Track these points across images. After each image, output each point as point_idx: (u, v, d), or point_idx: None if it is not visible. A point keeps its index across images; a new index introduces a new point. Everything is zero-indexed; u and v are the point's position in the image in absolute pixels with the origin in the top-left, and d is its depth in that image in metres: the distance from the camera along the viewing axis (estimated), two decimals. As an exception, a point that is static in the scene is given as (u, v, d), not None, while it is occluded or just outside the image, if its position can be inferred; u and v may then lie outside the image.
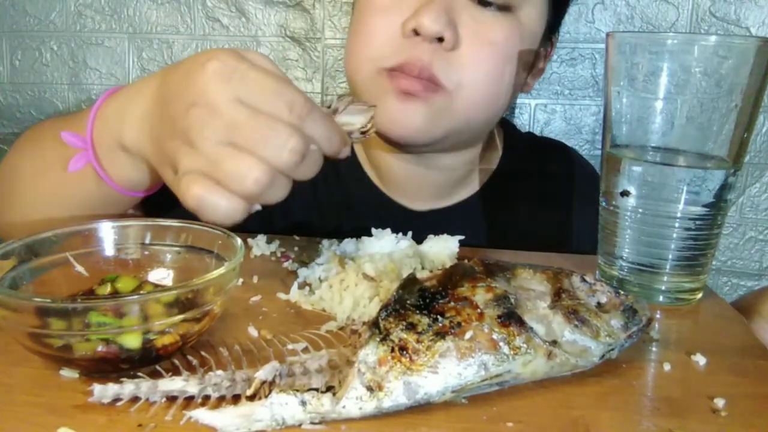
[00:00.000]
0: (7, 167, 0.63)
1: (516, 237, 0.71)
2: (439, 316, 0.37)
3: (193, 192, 0.40)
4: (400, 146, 0.67)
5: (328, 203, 0.77)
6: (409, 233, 0.59)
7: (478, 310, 0.38)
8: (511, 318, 0.38)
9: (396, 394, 0.35)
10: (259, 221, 0.72)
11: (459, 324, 0.37)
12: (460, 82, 0.61)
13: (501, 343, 0.37)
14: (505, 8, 0.61)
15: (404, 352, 0.36)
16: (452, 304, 0.38)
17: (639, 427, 0.36)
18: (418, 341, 0.36)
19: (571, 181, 0.80)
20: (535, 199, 0.77)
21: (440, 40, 0.59)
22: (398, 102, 0.60)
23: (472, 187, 0.77)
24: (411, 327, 0.36)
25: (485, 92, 0.63)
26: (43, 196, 0.60)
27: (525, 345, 0.38)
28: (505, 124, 0.83)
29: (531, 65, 0.69)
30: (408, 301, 0.38)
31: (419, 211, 0.75)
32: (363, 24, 0.64)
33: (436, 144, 0.66)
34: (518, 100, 1.00)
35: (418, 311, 0.38)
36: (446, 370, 0.36)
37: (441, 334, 0.36)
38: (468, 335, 0.37)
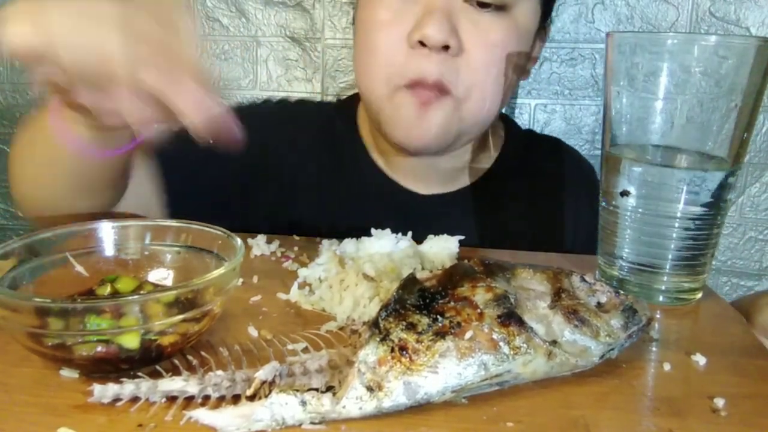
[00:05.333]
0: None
1: (514, 224, 0.76)
2: (439, 316, 0.37)
3: None
4: (415, 154, 0.70)
5: (333, 191, 0.78)
6: (409, 233, 0.59)
7: (478, 310, 0.38)
8: (510, 318, 0.38)
9: (396, 394, 0.35)
10: (263, 216, 0.72)
11: (459, 324, 0.37)
12: (467, 87, 0.64)
13: (501, 343, 0.37)
14: (501, 8, 0.63)
15: (404, 352, 0.36)
16: (452, 304, 0.38)
17: (639, 426, 0.36)
18: (418, 341, 0.36)
19: (569, 177, 0.82)
20: (531, 193, 0.79)
21: (446, 47, 0.61)
22: (416, 110, 0.63)
23: (473, 174, 0.78)
24: (411, 327, 0.36)
25: (490, 94, 0.66)
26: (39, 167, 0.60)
27: (525, 345, 0.38)
28: (505, 119, 0.85)
29: (527, 56, 0.71)
30: (408, 301, 0.38)
31: (424, 194, 0.76)
32: (369, 39, 0.65)
33: (447, 149, 0.69)
34: (518, 100, 1.00)
35: (418, 311, 0.37)
36: (446, 370, 0.36)
37: (441, 334, 0.36)
38: (468, 335, 0.37)
